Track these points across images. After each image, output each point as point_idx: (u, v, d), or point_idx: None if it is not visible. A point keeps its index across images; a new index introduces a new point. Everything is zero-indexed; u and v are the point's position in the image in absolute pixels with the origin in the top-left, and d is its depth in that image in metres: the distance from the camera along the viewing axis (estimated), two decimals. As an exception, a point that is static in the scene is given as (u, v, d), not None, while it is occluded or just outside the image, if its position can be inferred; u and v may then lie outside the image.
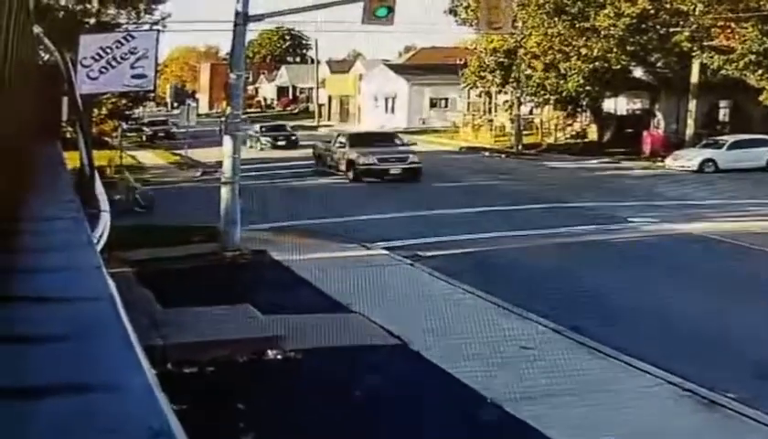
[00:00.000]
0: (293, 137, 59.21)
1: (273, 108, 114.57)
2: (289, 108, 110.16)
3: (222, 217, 19.77)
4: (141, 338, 2.08)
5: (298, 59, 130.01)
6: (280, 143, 57.63)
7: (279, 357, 11.50)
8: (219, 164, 22.08)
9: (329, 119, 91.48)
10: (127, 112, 59.93)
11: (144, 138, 67.80)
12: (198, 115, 68.68)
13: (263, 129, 60.80)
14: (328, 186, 35.33)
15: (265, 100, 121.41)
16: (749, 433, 9.48)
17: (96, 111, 46.22)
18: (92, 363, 1.84)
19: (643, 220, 24.64)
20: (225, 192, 19.86)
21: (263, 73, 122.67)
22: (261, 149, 55.18)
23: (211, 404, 9.79)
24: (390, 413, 9.88)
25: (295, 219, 24.53)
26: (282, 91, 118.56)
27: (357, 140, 38.99)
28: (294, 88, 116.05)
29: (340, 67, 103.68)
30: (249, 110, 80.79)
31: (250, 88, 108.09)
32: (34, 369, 1.80)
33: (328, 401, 10.14)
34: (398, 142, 39.32)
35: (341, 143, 38.47)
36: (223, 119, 23.39)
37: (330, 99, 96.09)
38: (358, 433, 9.32)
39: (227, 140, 20.17)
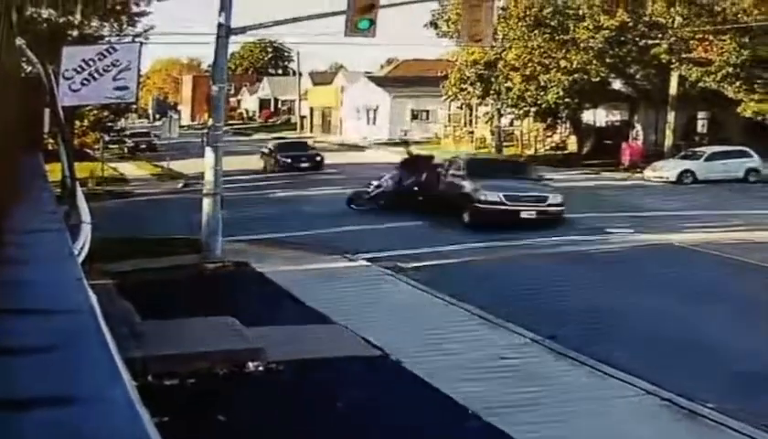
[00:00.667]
0: (318, 158, 50.16)
1: (255, 120, 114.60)
2: (271, 120, 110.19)
3: (204, 228, 19.78)
4: (121, 350, 2.11)
5: (280, 72, 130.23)
6: (302, 164, 47.94)
7: (260, 368, 11.50)
8: (201, 175, 22.08)
9: (311, 131, 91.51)
10: (109, 124, 59.87)
11: (126, 150, 67.62)
12: (180, 127, 68.52)
13: (280, 147, 51.90)
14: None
15: (247, 112, 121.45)
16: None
17: (78, 122, 46.15)
18: (73, 375, 1.84)
19: (620, 231, 24.78)
20: (207, 204, 19.87)
21: (245, 85, 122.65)
22: (274, 170, 47.89)
23: (192, 416, 9.78)
24: (371, 424, 9.89)
25: (277, 231, 24.55)
26: (264, 102, 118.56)
27: (478, 168, 28.78)
28: (276, 100, 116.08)
29: (322, 79, 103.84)
30: (230, 122, 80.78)
31: (233, 100, 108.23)
32: (14, 382, 1.81)
33: (309, 413, 10.15)
34: (533, 175, 29.37)
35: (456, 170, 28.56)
36: (205, 131, 23.35)
37: (312, 111, 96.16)
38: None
39: (208, 152, 20.18)
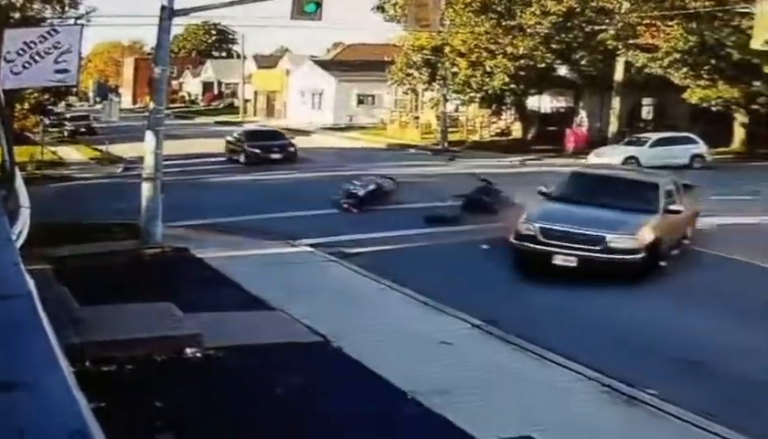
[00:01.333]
0: (292, 148, 45.40)
1: (198, 103, 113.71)
2: (214, 103, 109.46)
3: (143, 213, 19.54)
4: (59, 336, 2.07)
5: (224, 54, 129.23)
6: (274, 156, 43.60)
7: (198, 354, 11.42)
8: (141, 159, 21.85)
9: (255, 115, 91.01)
10: (50, 107, 59.05)
11: (66, 134, 66.86)
12: (121, 110, 67.76)
13: (248, 135, 47.47)
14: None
15: (189, 95, 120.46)
16: (666, 426, 9.70)
17: (18, 106, 45.47)
18: (10, 361, 1.82)
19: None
20: (146, 188, 19.62)
21: (188, 68, 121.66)
22: (239, 161, 43.79)
23: (129, 402, 9.70)
24: (310, 410, 9.88)
25: (219, 216, 24.40)
26: (207, 86, 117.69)
27: None
28: (220, 83, 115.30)
29: (267, 62, 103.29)
30: (172, 105, 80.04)
31: (175, 83, 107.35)
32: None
33: (248, 399, 10.10)
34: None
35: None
36: (146, 114, 23.10)
37: (256, 94, 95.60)
38: (277, 430, 9.31)
39: (149, 135, 19.93)
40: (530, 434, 9.11)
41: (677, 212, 18.79)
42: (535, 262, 17.38)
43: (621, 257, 16.91)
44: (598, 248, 16.97)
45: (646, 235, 17.36)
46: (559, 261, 17.11)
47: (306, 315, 13.40)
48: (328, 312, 13.86)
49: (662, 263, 17.79)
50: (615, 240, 17.02)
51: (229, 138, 47.00)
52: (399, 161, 44.91)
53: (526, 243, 17.59)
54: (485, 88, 51.45)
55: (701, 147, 43.24)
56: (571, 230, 17.28)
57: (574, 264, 17.02)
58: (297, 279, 16.65)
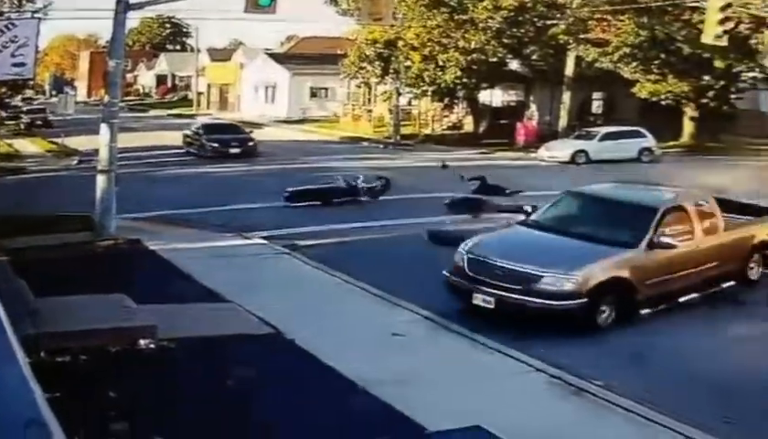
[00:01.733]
0: (251, 142, 44.30)
1: (152, 96, 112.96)
2: (168, 96, 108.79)
3: (98, 206, 19.56)
4: (16, 328, 2.19)
5: (178, 47, 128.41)
6: (233, 150, 42.52)
7: (152, 346, 11.51)
8: (96, 152, 21.82)
9: (208, 107, 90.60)
10: (6, 100, 58.57)
11: (23, 126, 66.53)
12: (77, 103, 67.25)
13: (206, 128, 45.89)
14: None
15: (144, 88, 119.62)
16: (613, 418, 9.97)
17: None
18: None
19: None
20: (101, 181, 19.64)
21: (143, 61, 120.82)
22: (198, 155, 43.01)
23: (84, 393, 9.78)
24: (261, 402, 10.02)
25: (173, 208, 24.41)
26: (161, 79, 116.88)
27: None
28: (174, 76, 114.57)
29: (220, 55, 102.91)
30: (127, 98, 79.51)
31: (129, 76, 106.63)
32: None
33: (200, 391, 10.22)
34: None
35: None
36: (101, 107, 23.05)
37: (210, 87, 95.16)
38: (229, 421, 9.44)
39: (104, 128, 19.93)
40: (479, 424, 9.30)
41: (669, 246, 14.51)
42: (460, 299, 14.41)
43: (546, 302, 13.20)
44: (519, 288, 13.42)
45: (590, 276, 13.44)
46: (478, 300, 13.88)
47: (259, 307, 13.50)
48: (281, 304, 13.98)
49: (643, 311, 14.13)
50: (546, 280, 13.36)
51: (187, 131, 46.44)
52: (353, 154, 45.03)
53: (453, 276, 14.52)
54: (437, 81, 51.68)
55: (650, 141, 43.80)
56: (495, 264, 13.91)
57: (492, 306, 13.71)
58: (250, 271, 16.75)
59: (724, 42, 28.96)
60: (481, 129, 55.73)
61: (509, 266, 13.71)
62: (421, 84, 52.79)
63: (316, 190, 27.06)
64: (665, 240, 14.50)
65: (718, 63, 45.31)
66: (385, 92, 58.32)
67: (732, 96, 49.58)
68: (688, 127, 50.06)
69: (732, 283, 16.09)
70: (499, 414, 9.60)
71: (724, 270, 15.88)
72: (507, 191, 28.34)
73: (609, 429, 9.67)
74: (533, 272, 13.49)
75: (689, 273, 15.04)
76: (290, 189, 26.51)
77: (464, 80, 51.38)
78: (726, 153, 45.84)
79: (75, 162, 40.47)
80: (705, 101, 48.28)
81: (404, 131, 56.34)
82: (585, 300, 13.32)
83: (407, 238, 20.70)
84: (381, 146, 52.12)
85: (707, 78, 47.36)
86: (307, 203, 26.03)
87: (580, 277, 13.37)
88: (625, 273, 13.93)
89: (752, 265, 16.63)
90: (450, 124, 59.68)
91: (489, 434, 9.03)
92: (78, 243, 18.69)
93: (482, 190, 28.00)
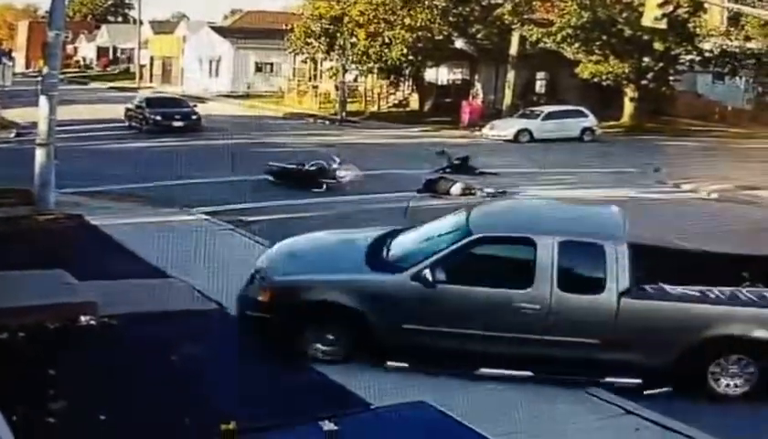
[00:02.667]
0: (195, 116, 43.39)
1: (93, 68, 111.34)
2: (109, 68, 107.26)
3: (36, 179, 19.24)
4: None
5: (120, 19, 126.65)
6: (176, 124, 41.80)
7: (92, 322, 11.37)
8: (35, 125, 21.45)
9: (151, 81, 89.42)
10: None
11: (-43, 99, 64.90)
12: (15, 75, 65.74)
13: (149, 102, 44.93)
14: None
15: (84, 59, 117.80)
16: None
17: None
18: None
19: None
20: (40, 154, 19.33)
21: (83, 32, 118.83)
22: (141, 130, 42.03)
23: (21, 371, 9.64)
24: (205, 377, 9.96)
25: (115, 183, 24.11)
26: (102, 50, 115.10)
27: None
28: (115, 48, 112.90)
29: (163, 28, 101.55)
30: (67, 70, 78.16)
31: (69, 47, 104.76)
32: None
33: (142, 366, 10.12)
34: None
35: None
36: (40, 79, 22.61)
37: (152, 60, 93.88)
38: (172, 397, 9.36)
39: (43, 100, 19.58)
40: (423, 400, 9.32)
41: None
42: None
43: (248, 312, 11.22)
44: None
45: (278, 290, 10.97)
46: None
47: (202, 282, 13.40)
48: (224, 280, 13.85)
49: None
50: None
51: (129, 105, 45.50)
52: (298, 130, 44.87)
53: None
54: (383, 59, 51.61)
55: (591, 121, 44.43)
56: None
57: None
58: (193, 247, 16.57)
59: (663, 25, 29.43)
60: (426, 107, 55.78)
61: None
62: (367, 61, 52.68)
63: (296, 172, 25.94)
64: None
65: (657, 45, 45.96)
66: (331, 69, 58.05)
67: (671, 78, 50.38)
68: (628, 108, 50.70)
69: None
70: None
71: None
72: (477, 171, 28.56)
73: None
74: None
75: None
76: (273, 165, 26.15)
77: (410, 57, 51.36)
78: (664, 133, 46.69)
79: (13, 135, 39.68)
80: (645, 82, 48.99)
81: (350, 108, 56.12)
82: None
83: (353, 214, 20.65)
84: (327, 123, 51.96)
85: (647, 59, 48.06)
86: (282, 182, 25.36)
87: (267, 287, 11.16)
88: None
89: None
90: (396, 102, 59.63)
91: (433, 409, 9.05)
92: (16, 218, 18.35)
93: (453, 170, 28.18)
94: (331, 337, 10.61)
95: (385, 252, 11.14)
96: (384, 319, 10.46)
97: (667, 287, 10.64)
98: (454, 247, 10.70)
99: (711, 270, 11.17)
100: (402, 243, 11.27)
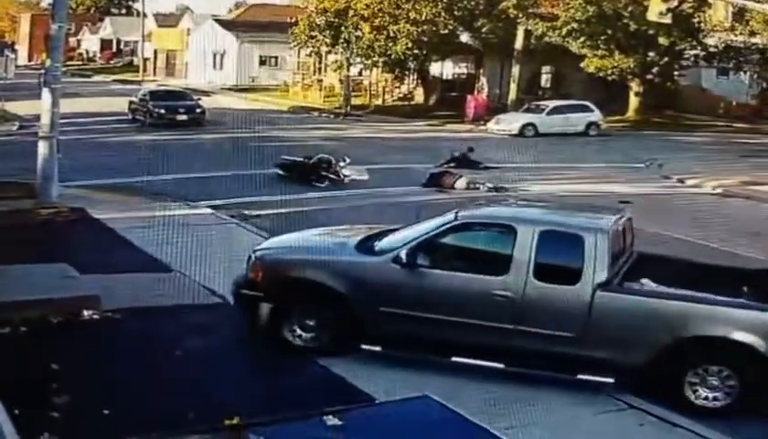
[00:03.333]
0: (199, 109, 43.36)
1: (96, 61, 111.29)
2: (112, 61, 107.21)
3: (39, 172, 19.21)
4: None
5: (124, 12, 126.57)
6: (180, 117, 41.79)
7: (96, 316, 11.34)
8: (38, 117, 21.42)
9: (155, 74, 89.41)
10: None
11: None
12: (17, 67, 65.65)
13: (153, 95, 44.97)
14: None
15: (87, 52, 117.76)
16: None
17: None
18: None
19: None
20: (42, 147, 19.30)
21: (87, 25, 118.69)
22: (144, 123, 41.75)
23: (24, 365, 9.61)
24: (209, 372, 9.93)
25: (118, 176, 24.05)
26: (105, 43, 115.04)
27: None
28: (119, 41, 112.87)
29: (168, 21, 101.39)
30: (70, 62, 78.18)
31: (72, 40, 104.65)
32: None
33: (145, 361, 10.09)
34: None
35: None
36: (43, 71, 22.60)
37: (156, 53, 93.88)
38: (175, 392, 9.32)
39: (46, 93, 19.56)
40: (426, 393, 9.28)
41: None
42: None
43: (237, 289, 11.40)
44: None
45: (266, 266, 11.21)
46: None
47: (205, 277, 13.35)
48: (226, 274, 13.81)
49: None
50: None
51: (133, 98, 45.40)
52: (303, 124, 44.83)
53: None
54: (388, 52, 51.59)
55: (597, 115, 44.42)
56: None
57: None
58: (197, 241, 16.49)
59: (668, 19, 29.45)
60: (431, 101, 55.77)
61: None
62: (372, 55, 52.68)
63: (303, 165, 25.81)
64: None
65: (662, 40, 45.96)
66: (335, 62, 58.04)
67: (676, 73, 50.41)
68: (633, 102, 50.69)
69: None
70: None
71: None
72: (482, 165, 28.54)
73: None
74: None
75: None
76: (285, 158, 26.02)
77: (415, 51, 51.41)
78: (668, 128, 46.66)
79: (15, 127, 39.70)
80: (650, 77, 49.03)
81: (355, 101, 56.16)
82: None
83: (355, 209, 20.64)
84: (332, 116, 51.92)
85: (651, 54, 48.08)
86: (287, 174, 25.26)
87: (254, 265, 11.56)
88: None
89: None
90: (400, 96, 59.65)
91: (436, 403, 9.02)
92: (18, 211, 18.33)
93: (457, 164, 28.13)
94: (313, 322, 10.62)
95: (376, 243, 11.16)
96: (364, 302, 10.48)
97: (652, 284, 10.48)
98: (436, 231, 10.73)
99: (712, 281, 10.76)
100: (395, 236, 11.23)
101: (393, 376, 9.86)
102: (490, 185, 24.82)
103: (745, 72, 51.62)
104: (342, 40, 54.45)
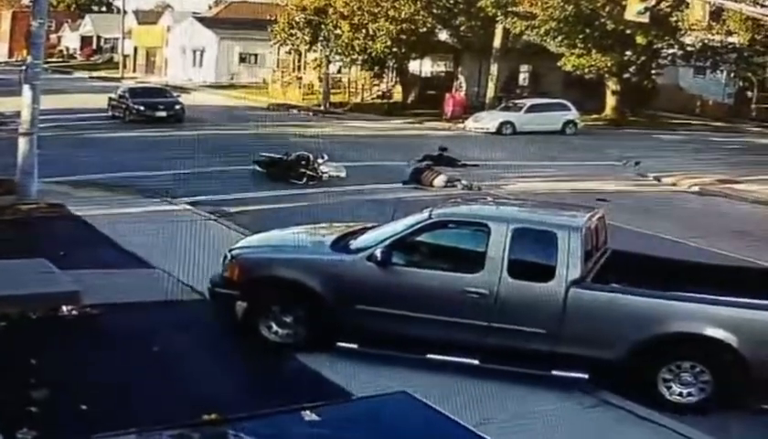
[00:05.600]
0: (179, 106, 43.58)
1: (76, 58, 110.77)
2: (93, 58, 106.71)
3: (19, 169, 19.20)
4: None
5: (104, 9, 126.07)
6: (159, 114, 42.05)
7: (75, 313, 11.37)
8: (18, 114, 21.38)
9: (134, 71, 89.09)
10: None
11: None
12: (-3, 63, 65.54)
13: (132, 92, 45.10)
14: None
15: (68, 49, 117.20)
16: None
17: None
18: None
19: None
20: (23, 143, 19.27)
21: (67, 22, 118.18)
22: (124, 120, 42.01)
23: (3, 361, 9.64)
24: (187, 367, 10.00)
25: (98, 172, 24.05)
26: (85, 40, 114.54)
27: None
28: (99, 38, 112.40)
29: (148, 18, 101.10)
30: (50, 59, 77.78)
31: (53, 37, 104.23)
32: None
33: (124, 357, 10.15)
34: None
35: None
36: (23, 68, 22.53)
37: (136, 50, 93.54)
38: (153, 388, 9.38)
39: (26, 90, 19.54)
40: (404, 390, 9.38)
41: None
42: None
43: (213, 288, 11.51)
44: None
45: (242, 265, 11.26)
46: None
47: (185, 273, 13.40)
48: (207, 270, 13.88)
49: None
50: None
51: (113, 95, 45.30)
52: (282, 121, 44.81)
53: None
54: (367, 50, 51.62)
55: (574, 114, 44.73)
56: None
57: None
58: (176, 237, 16.56)
59: (646, 18, 29.65)
60: (410, 99, 55.84)
61: None
62: (351, 53, 52.69)
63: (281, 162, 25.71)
64: None
65: (640, 39, 46.22)
66: (315, 60, 58.03)
67: (653, 71, 50.69)
68: (610, 101, 50.99)
69: None
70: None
71: None
72: (460, 163, 28.68)
73: None
74: None
75: None
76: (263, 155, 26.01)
77: (394, 49, 51.43)
78: (645, 126, 46.98)
79: (-6, 124, 39.49)
80: (627, 75, 49.28)
81: (334, 99, 56.20)
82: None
83: (341, 205, 20.69)
84: (311, 114, 51.91)
85: (629, 53, 48.35)
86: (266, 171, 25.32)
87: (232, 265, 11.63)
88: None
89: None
90: (379, 94, 59.67)
91: (413, 399, 9.11)
92: (-2, 207, 18.30)
93: (435, 162, 28.24)
94: (290, 318, 10.69)
95: (352, 241, 11.21)
96: (339, 300, 10.53)
97: (627, 283, 10.57)
98: (410, 229, 10.81)
99: (686, 278, 11.02)
100: (370, 234, 11.31)
101: (371, 372, 9.96)
102: (465, 182, 24.95)
103: (722, 71, 52.00)
104: (321, 38, 54.44)
